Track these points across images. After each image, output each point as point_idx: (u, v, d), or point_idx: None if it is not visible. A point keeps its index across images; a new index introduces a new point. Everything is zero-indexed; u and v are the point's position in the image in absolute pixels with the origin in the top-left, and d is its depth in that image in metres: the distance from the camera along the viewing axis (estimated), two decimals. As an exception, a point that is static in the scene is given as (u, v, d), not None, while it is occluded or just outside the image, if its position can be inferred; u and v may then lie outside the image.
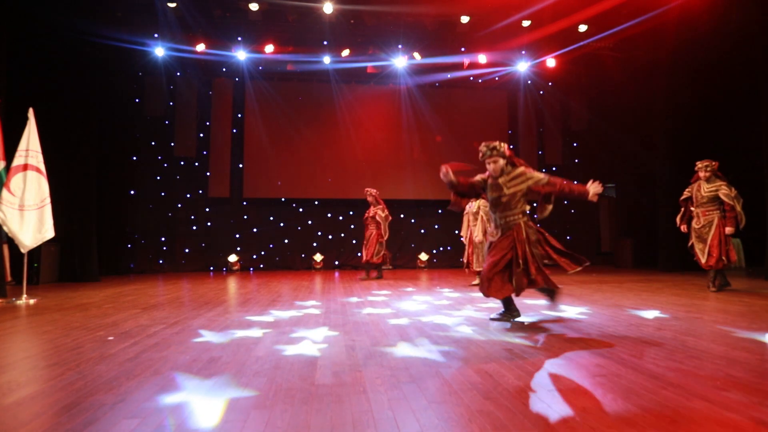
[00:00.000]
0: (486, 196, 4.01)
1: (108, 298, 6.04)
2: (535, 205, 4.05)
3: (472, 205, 7.26)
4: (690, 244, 6.33)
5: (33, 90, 7.86)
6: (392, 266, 11.83)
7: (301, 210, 11.95)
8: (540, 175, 3.87)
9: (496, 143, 3.85)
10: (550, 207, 4.01)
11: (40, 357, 3.01)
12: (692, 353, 2.88)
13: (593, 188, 3.83)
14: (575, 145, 12.82)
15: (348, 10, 9.44)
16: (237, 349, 3.09)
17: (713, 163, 6.17)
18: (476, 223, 7.13)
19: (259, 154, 11.64)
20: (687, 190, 6.41)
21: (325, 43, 10.59)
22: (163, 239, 11.26)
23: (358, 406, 2.05)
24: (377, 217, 8.43)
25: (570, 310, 4.66)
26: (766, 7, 7.80)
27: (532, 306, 4.97)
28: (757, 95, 8.18)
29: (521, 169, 3.87)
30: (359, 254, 8.80)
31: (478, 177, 3.99)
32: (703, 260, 6.09)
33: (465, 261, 7.39)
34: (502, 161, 3.83)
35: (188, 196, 11.44)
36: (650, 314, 4.38)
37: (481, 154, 3.88)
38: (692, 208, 6.27)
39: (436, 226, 12.18)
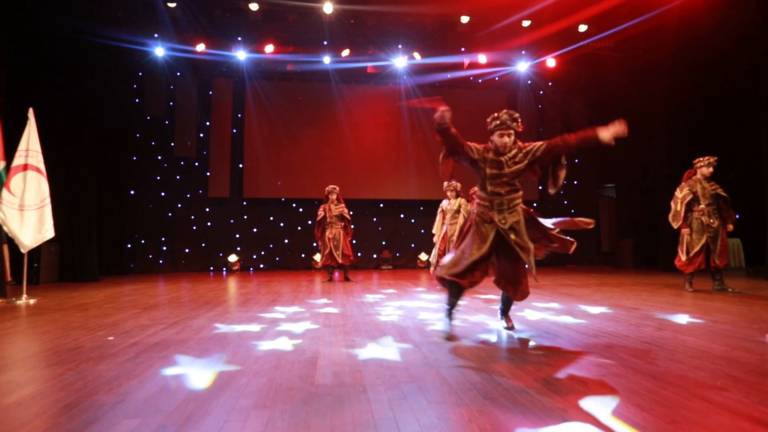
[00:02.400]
0: (480, 170, 3.42)
1: (108, 298, 6.04)
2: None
3: (452, 203, 7.03)
4: (700, 246, 5.97)
5: (33, 90, 7.86)
6: (392, 266, 11.84)
7: (301, 210, 11.95)
8: (537, 143, 3.43)
9: (518, 115, 3.42)
10: (563, 173, 3.45)
11: (40, 357, 3.00)
12: (692, 353, 2.88)
13: (609, 130, 3.18)
14: (575, 145, 12.79)
15: (348, 10, 9.45)
16: (236, 349, 3.09)
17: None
18: (455, 222, 6.89)
19: (259, 154, 11.64)
20: (688, 190, 6.12)
21: (325, 43, 10.59)
22: (163, 239, 11.26)
23: (358, 406, 2.05)
24: (345, 215, 8.16)
25: (569, 310, 4.66)
26: (766, 7, 7.80)
27: (531, 306, 4.97)
28: (757, 95, 8.18)
29: (518, 144, 3.45)
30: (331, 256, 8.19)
31: (475, 144, 3.44)
32: (717, 261, 5.95)
33: (435, 261, 7.06)
34: (513, 137, 3.38)
35: (188, 196, 11.44)
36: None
37: (498, 122, 3.34)
38: (701, 207, 6.03)
39: (436, 226, 12.16)
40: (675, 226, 6.23)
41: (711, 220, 5.99)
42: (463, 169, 3.65)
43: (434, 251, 7.20)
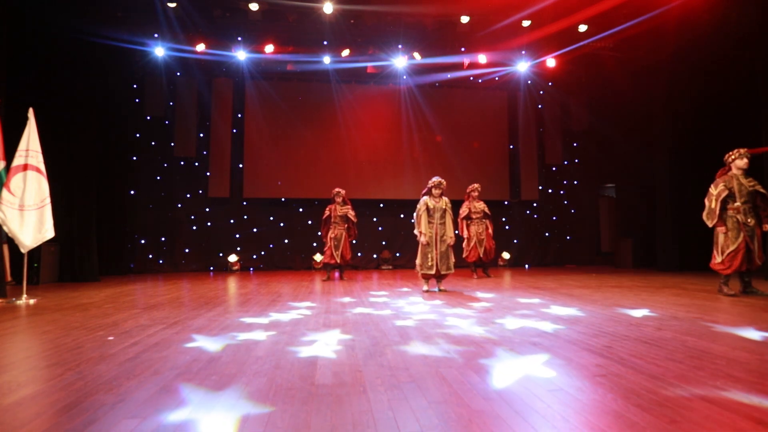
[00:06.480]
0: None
1: (108, 298, 6.04)
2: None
3: (439, 202, 6.56)
4: (737, 246, 5.60)
5: (33, 90, 7.86)
6: (392, 266, 11.84)
7: (301, 210, 11.95)
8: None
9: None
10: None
11: (40, 357, 3.01)
12: (692, 353, 2.88)
13: None
14: (575, 145, 12.81)
15: (348, 10, 9.44)
16: (237, 349, 3.09)
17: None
18: (444, 221, 6.52)
19: (259, 154, 11.63)
20: (723, 186, 5.69)
21: (325, 43, 10.59)
22: (163, 239, 11.25)
23: (358, 406, 2.05)
24: (350, 216, 8.46)
25: (569, 311, 4.66)
26: (766, 7, 7.80)
27: (526, 305, 4.97)
28: (757, 95, 8.18)
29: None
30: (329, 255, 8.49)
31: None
32: (757, 260, 5.62)
33: (430, 263, 6.43)
34: None
35: (188, 196, 11.43)
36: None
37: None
38: (736, 205, 5.65)
39: (436, 226, 12.14)
40: (710, 224, 5.84)
41: (747, 219, 5.62)
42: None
43: (432, 254, 6.46)
